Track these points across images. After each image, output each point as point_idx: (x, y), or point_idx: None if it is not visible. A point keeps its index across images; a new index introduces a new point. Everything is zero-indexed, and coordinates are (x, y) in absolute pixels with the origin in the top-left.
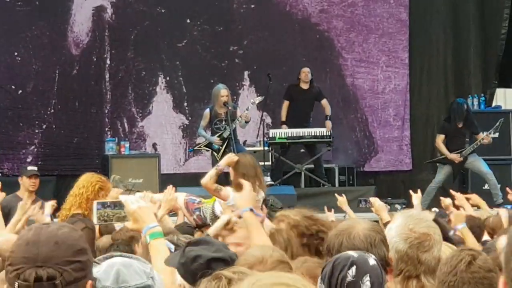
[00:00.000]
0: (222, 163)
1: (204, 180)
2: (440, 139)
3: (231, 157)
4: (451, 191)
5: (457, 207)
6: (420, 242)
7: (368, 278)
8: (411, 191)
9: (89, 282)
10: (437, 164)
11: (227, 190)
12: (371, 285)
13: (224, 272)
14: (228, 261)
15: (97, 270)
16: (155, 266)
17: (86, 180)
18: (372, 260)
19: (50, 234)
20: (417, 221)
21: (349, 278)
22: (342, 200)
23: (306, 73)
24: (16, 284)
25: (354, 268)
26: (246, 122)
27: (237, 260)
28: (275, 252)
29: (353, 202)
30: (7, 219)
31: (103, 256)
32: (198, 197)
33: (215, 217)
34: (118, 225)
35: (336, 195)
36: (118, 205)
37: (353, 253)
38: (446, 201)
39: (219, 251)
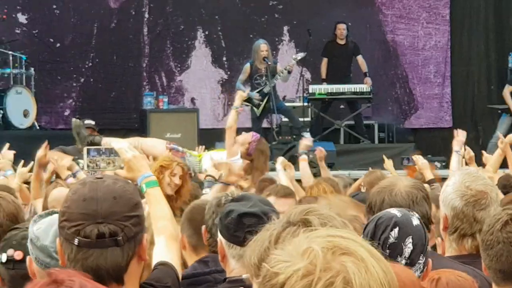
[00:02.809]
0: (237, 103)
1: (229, 124)
2: (508, 89)
3: (242, 94)
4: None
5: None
6: (476, 200)
7: (410, 240)
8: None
9: (145, 235)
10: (502, 113)
11: (237, 148)
12: (413, 247)
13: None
14: (260, 216)
15: (38, 228)
16: (155, 214)
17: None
18: (415, 220)
19: (108, 189)
20: (474, 178)
21: (392, 239)
22: (388, 163)
23: (341, 30)
24: (76, 240)
25: (396, 229)
26: (289, 72)
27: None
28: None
29: (393, 160)
30: None
31: (45, 212)
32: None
33: (200, 172)
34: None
35: (384, 157)
36: (113, 152)
37: (396, 212)
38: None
39: (254, 206)
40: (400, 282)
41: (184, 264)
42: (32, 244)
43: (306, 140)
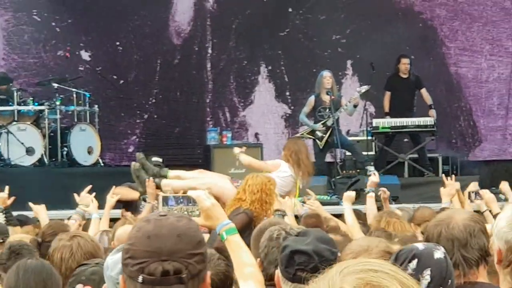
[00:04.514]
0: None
1: (247, 162)
2: None
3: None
4: None
5: None
6: None
7: (428, 272)
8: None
9: (208, 273)
10: None
11: (276, 161)
12: (430, 279)
13: None
14: (311, 255)
15: (112, 258)
16: (241, 260)
17: (259, 183)
18: (438, 254)
19: (172, 227)
20: None
21: (409, 271)
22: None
23: (405, 65)
24: (141, 277)
25: (415, 261)
26: (355, 106)
27: (344, 249)
28: (381, 243)
29: None
30: None
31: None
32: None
33: None
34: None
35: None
36: (191, 201)
37: (419, 246)
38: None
39: (309, 244)
40: None
41: None
42: (104, 272)
43: (374, 177)
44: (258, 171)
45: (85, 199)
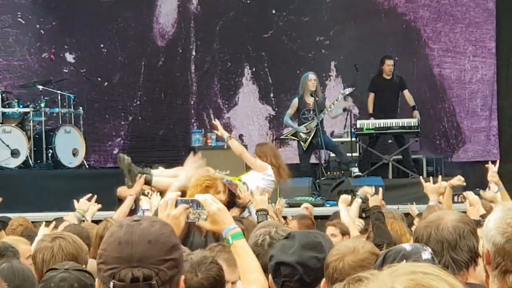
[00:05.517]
0: (224, 133)
1: (238, 151)
2: None
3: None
4: None
5: None
6: None
7: None
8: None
9: (182, 277)
10: None
11: (264, 163)
12: None
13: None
14: (295, 267)
15: None
16: (247, 266)
17: (196, 180)
18: (426, 254)
19: (143, 233)
20: None
21: None
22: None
23: (390, 66)
24: (112, 283)
25: (403, 262)
26: (344, 110)
27: (330, 251)
28: (367, 244)
29: None
30: None
31: None
32: None
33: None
34: None
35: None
36: (200, 205)
37: (406, 247)
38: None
39: (294, 254)
40: None
41: None
42: None
43: (369, 188)
44: (247, 163)
45: (84, 205)
